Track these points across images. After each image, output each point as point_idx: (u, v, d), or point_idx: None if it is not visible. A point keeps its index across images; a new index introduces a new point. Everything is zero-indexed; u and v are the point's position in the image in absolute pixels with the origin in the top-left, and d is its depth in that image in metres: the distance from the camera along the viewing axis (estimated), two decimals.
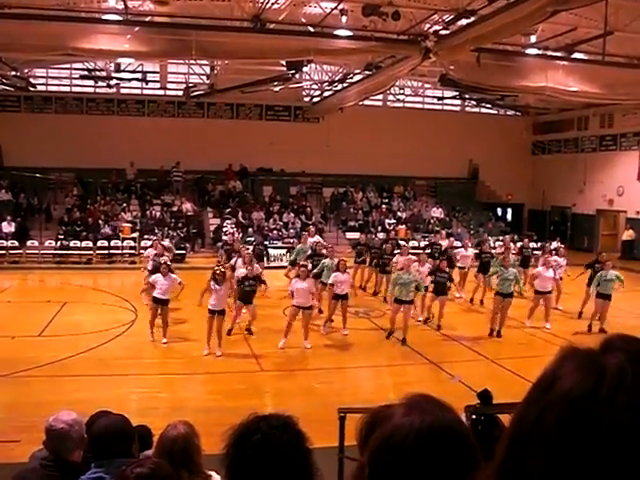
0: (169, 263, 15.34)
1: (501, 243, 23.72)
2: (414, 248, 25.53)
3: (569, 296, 18.30)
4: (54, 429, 3.51)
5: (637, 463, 0.79)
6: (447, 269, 16.65)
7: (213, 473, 3.76)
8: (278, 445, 1.99)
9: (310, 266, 17.25)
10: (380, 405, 1.54)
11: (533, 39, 19.89)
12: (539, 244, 26.86)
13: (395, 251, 20.09)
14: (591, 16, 17.62)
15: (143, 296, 16.56)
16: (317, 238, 21.81)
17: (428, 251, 21.83)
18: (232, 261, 17.89)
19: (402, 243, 24.66)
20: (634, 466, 0.79)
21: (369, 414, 1.54)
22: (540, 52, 20.07)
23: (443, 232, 25.23)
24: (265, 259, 21.89)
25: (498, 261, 17.23)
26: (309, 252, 19.48)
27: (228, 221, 28.57)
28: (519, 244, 23.43)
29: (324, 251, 18.82)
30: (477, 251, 21.08)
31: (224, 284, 13.41)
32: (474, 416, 3.76)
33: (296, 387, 11.98)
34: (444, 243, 22.53)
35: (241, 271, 15.75)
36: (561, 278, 18.46)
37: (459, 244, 23.16)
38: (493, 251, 21.32)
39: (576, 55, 20.10)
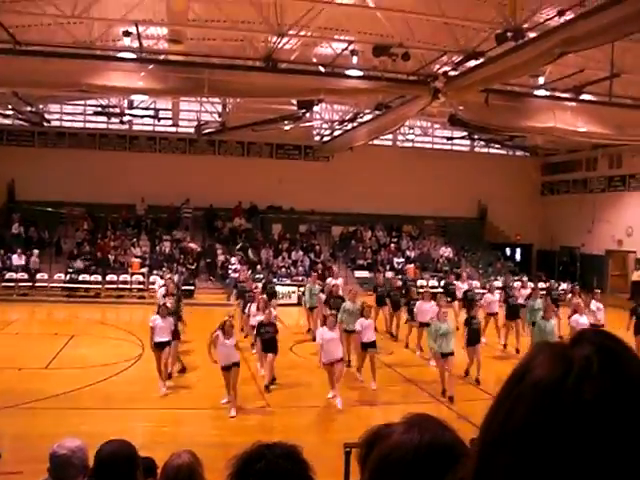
0: (169, 305, 14.57)
1: (519, 284, 22.74)
2: (422, 287, 25.38)
3: None
4: (57, 455, 3.54)
5: (602, 450, 0.82)
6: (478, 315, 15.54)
7: None
8: (282, 474, 1.99)
9: (328, 310, 16.65)
10: (380, 424, 1.55)
11: (541, 80, 20.11)
12: (548, 283, 26.68)
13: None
14: (598, 58, 17.80)
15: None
16: (340, 281, 21.25)
17: (441, 290, 21.57)
18: (246, 308, 17.29)
19: (422, 287, 23.70)
20: (599, 454, 0.82)
21: (369, 432, 1.55)
22: (548, 93, 20.24)
23: (464, 274, 24.58)
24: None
25: (536, 311, 16.39)
26: (322, 295, 18.90)
27: (234, 258, 28.64)
28: (530, 285, 22.87)
29: (340, 292, 18.25)
30: (499, 294, 20.16)
31: (233, 336, 12.24)
32: None
33: (303, 424, 11.87)
34: (464, 286, 22.12)
35: (257, 318, 14.77)
36: (600, 325, 16.38)
37: (475, 283, 22.84)
38: (517, 293, 20.19)
39: (584, 96, 20.26)
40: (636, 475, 0.82)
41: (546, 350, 0.93)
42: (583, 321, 15.26)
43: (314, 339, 18.67)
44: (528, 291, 20.27)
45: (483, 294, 20.69)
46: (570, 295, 19.76)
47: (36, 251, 26.95)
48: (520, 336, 18.20)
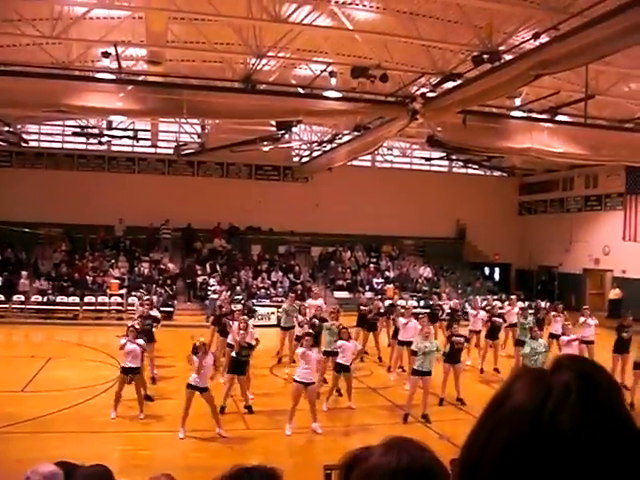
0: (137, 327, 14.03)
1: (507, 303, 22.63)
2: (403, 307, 25.25)
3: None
4: None
5: (579, 478, 0.83)
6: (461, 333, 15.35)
7: None
8: None
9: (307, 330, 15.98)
10: (359, 447, 1.55)
11: (518, 102, 20.37)
12: (528, 303, 26.82)
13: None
14: (573, 80, 18.10)
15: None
16: (320, 302, 20.66)
17: (427, 311, 21.28)
18: (229, 328, 16.44)
19: (403, 304, 23.03)
20: None
21: (347, 456, 1.55)
22: (525, 114, 20.50)
23: (444, 294, 24.79)
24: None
25: (527, 329, 16.09)
26: (300, 317, 18.10)
27: (213, 279, 28.52)
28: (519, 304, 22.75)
29: (324, 315, 17.61)
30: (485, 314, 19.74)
31: (207, 356, 11.96)
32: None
33: (283, 446, 11.82)
34: (446, 306, 22.07)
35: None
36: (592, 342, 17.03)
37: (456, 302, 22.83)
38: (501, 310, 20.29)
39: (560, 117, 20.55)
40: None
41: (526, 376, 0.94)
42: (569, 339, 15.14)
43: (279, 361, 18.58)
44: (516, 309, 20.24)
45: (467, 313, 20.75)
46: (553, 314, 19.64)
47: (25, 272, 26.63)
48: (499, 357, 18.29)
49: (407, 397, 13.41)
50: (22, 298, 25.66)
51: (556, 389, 0.88)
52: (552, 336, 17.98)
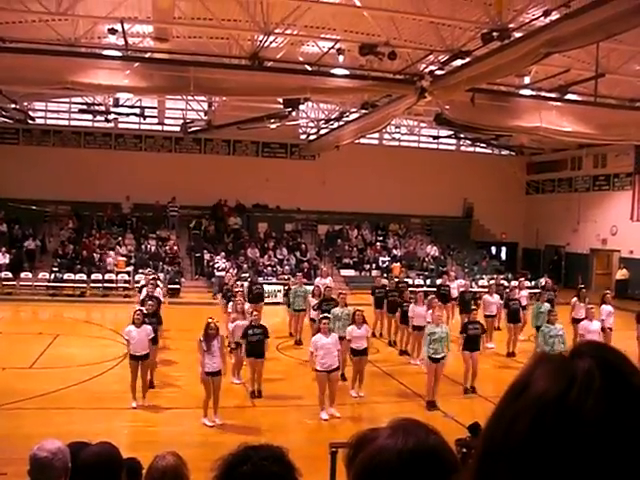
0: (145, 311, 13.22)
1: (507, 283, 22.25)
2: (410, 286, 25.14)
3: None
4: (37, 458, 3.45)
5: (603, 466, 0.82)
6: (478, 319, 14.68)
7: None
8: (268, 476, 1.97)
9: (320, 313, 15.29)
10: (367, 428, 1.56)
11: (527, 80, 20.19)
12: (534, 282, 26.78)
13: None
14: (583, 58, 17.92)
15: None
16: (329, 280, 20.24)
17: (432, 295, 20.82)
18: (229, 306, 16.00)
19: (413, 286, 22.52)
20: (600, 469, 0.81)
21: (355, 437, 1.55)
22: (534, 93, 20.33)
23: (452, 274, 23.84)
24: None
25: (541, 314, 15.74)
26: (312, 299, 17.57)
27: (218, 257, 28.55)
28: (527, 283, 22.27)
29: (333, 296, 16.66)
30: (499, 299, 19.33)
31: (217, 339, 11.43)
32: (464, 449, 3.75)
33: (289, 423, 11.92)
34: (453, 285, 21.51)
35: (237, 322, 13.89)
36: (610, 329, 16.12)
37: (462, 282, 22.52)
38: (516, 295, 19.22)
39: (569, 96, 20.37)
40: None
41: (546, 363, 0.93)
42: (594, 327, 14.45)
43: (297, 343, 18.49)
44: (526, 292, 19.87)
45: (480, 294, 20.45)
46: (575, 299, 18.46)
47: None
48: (517, 341, 17.93)
49: (426, 385, 12.97)
50: (29, 275, 25.79)
51: (579, 377, 0.87)
52: (575, 321, 16.91)
